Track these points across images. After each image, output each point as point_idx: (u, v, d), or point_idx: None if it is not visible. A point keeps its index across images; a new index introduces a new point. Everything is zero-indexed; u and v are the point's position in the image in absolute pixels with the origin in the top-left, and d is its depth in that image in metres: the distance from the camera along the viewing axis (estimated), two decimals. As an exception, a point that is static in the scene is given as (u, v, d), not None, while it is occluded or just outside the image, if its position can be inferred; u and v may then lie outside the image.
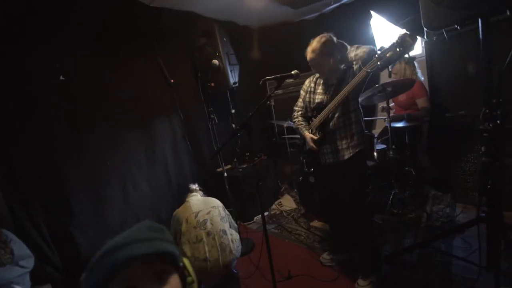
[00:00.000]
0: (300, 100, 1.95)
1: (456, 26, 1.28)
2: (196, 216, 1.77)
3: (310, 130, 1.80)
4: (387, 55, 1.35)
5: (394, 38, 1.31)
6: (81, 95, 2.08)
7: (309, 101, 1.85)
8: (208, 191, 2.21)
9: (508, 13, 1.50)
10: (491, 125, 1.28)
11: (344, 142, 1.67)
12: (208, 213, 1.82)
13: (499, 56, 1.31)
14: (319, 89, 1.80)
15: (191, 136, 2.84)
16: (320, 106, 1.73)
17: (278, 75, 1.43)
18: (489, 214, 1.41)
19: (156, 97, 2.57)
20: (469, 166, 2.45)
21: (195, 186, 2.11)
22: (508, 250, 1.49)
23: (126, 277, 0.54)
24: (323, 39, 1.62)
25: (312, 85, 1.86)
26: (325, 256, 2.04)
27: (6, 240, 1.55)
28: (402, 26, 2.45)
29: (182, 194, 2.16)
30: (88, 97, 2.12)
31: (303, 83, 3.47)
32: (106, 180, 2.18)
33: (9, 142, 1.76)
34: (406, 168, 2.62)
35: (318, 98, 1.78)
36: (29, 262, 1.60)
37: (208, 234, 1.73)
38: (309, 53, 1.68)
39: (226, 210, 2.03)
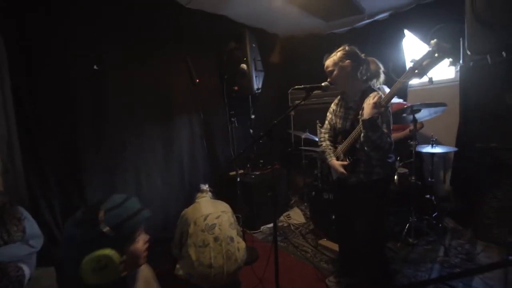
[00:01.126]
0: (327, 122, 1.84)
1: (503, 53, 1.20)
2: (205, 219, 1.73)
3: (337, 157, 1.70)
4: (424, 63, 1.28)
5: (428, 47, 1.28)
6: (109, 85, 2.16)
7: (334, 124, 1.76)
8: (218, 194, 2.19)
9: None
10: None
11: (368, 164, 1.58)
12: (217, 217, 1.78)
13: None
14: (340, 112, 1.71)
15: (209, 137, 2.85)
16: (344, 132, 1.65)
17: (308, 86, 1.39)
18: (521, 259, 1.29)
19: (180, 95, 2.62)
20: (495, 202, 2.29)
21: (205, 187, 2.09)
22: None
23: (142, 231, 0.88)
24: (342, 47, 1.57)
25: (335, 107, 1.77)
26: (332, 279, 1.94)
27: (20, 217, 1.59)
28: (432, 36, 2.38)
29: (193, 194, 2.14)
30: (115, 88, 2.19)
31: (328, 96, 3.46)
32: (122, 170, 2.22)
33: (35, 122, 1.82)
34: (427, 196, 2.49)
35: (339, 123, 1.69)
36: (38, 242, 1.62)
37: (215, 239, 1.68)
38: (326, 62, 1.61)
39: (234, 216, 2.00)
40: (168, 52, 2.53)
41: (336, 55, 1.56)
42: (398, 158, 2.45)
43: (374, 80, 1.60)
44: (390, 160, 1.59)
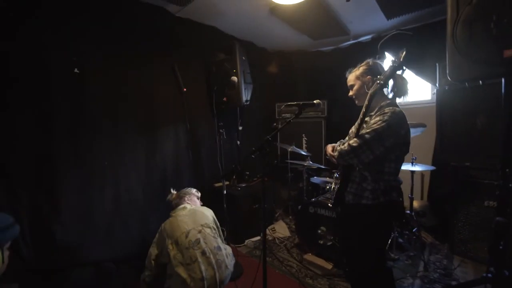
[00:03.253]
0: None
1: (480, 81, 1.30)
2: (186, 237, 1.67)
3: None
4: (386, 73, 1.36)
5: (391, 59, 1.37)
6: (90, 91, 2.06)
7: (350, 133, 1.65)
8: (203, 205, 2.13)
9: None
10: (509, 184, 1.26)
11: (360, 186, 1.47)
12: (199, 231, 1.73)
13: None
14: (357, 124, 1.55)
15: (195, 148, 2.79)
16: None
17: (301, 102, 1.41)
18: (496, 276, 1.35)
19: (166, 104, 2.55)
20: (469, 218, 2.42)
21: (174, 192, 2.02)
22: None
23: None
24: (366, 62, 1.54)
25: (358, 120, 1.66)
26: None
27: None
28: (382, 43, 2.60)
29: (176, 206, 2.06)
30: (97, 95, 2.09)
31: (314, 111, 3.53)
32: (101, 181, 2.10)
33: (8, 127, 1.69)
34: (407, 212, 2.57)
35: (352, 132, 1.58)
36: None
37: (202, 253, 1.64)
38: (349, 77, 1.60)
39: (216, 221, 1.95)
40: (155, 60, 2.48)
41: (359, 70, 1.53)
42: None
43: (403, 97, 1.52)
44: (385, 185, 1.39)
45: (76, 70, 1.99)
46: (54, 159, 1.88)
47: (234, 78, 2.54)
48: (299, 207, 2.56)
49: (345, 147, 1.38)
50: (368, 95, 1.39)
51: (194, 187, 2.20)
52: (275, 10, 2.56)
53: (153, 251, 1.72)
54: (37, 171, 1.80)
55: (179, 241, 1.64)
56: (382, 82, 1.36)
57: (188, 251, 1.61)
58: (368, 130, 1.33)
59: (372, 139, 1.31)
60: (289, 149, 3.11)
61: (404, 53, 1.33)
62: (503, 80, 1.30)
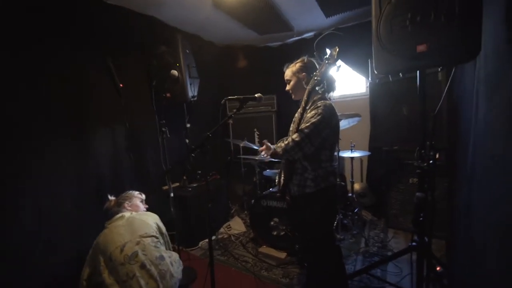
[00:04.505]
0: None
1: (400, 74, 1.47)
2: (122, 251, 1.50)
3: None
4: (322, 69, 1.48)
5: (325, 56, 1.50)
6: (5, 87, 1.69)
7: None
8: (151, 211, 1.96)
9: (439, 69, 1.81)
10: (425, 164, 1.44)
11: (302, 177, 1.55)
12: (137, 243, 1.56)
13: (431, 102, 1.53)
14: (296, 118, 1.66)
15: (137, 149, 2.55)
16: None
17: (241, 97, 1.40)
18: (420, 244, 1.56)
19: (99, 103, 2.25)
20: (398, 195, 2.77)
21: (112, 198, 1.84)
22: (434, 277, 1.66)
23: None
24: (301, 59, 1.62)
25: (296, 114, 1.70)
26: None
27: None
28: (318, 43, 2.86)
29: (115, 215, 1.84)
30: (10, 93, 1.73)
31: (264, 105, 3.58)
32: (15, 194, 1.73)
33: None
34: (349, 195, 2.82)
35: (291, 127, 1.67)
36: None
37: (141, 266, 1.49)
38: (286, 72, 1.66)
39: (161, 227, 1.81)
40: (86, 54, 2.16)
41: (295, 66, 1.61)
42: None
43: (332, 93, 1.65)
44: (323, 171, 1.49)
45: None
46: None
47: (174, 72, 2.38)
48: (252, 201, 2.58)
49: (288, 143, 1.44)
50: (307, 90, 1.49)
51: (140, 192, 2.02)
52: (218, 3, 2.48)
53: (85, 270, 1.51)
54: None
55: (113, 257, 1.47)
56: (319, 78, 1.46)
57: (123, 267, 1.45)
58: (307, 124, 1.42)
59: (311, 132, 1.40)
60: (241, 144, 3.10)
61: (337, 50, 1.46)
62: (418, 73, 1.49)
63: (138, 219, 1.73)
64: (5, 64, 1.71)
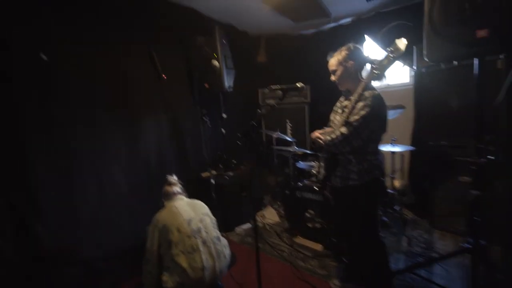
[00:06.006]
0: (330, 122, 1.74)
1: (454, 62, 1.33)
2: (189, 224, 1.63)
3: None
4: (383, 62, 1.37)
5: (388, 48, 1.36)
6: (62, 79, 1.87)
7: (333, 120, 1.66)
8: (191, 197, 2.05)
9: (501, 56, 1.62)
10: (482, 159, 1.31)
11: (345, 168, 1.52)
12: (201, 220, 1.70)
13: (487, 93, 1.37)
14: (339, 109, 1.62)
15: (178, 137, 2.67)
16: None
17: (284, 86, 1.38)
18: (474, 246, 1.44)
19: (146, 93, 2.42)
20: (445, 194, 2.56)
21: (173, 179, 1.92)
22: (490, 283, 1.53)
23: None
24: (347, 47, 1.52)
25: (339, 104, 1.68)
26: (336, 283, 1.88)
27: None
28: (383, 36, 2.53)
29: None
30: (69, 82, 1.91)
31: (297, 96, 3.50)
32: (81, 174, 1.98)
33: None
34: (389, 191, 2.68)
35: (336, 119, 1.61)
36: None
37: (203, 242, 1.62)
38: (330, 61, 1.57)
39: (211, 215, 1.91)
40: (131, 45, 2.30)
41: (341, 55, 1.51)
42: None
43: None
44: (368, 164, 1.45)
45: (43, 56, 1.77)
46: (27, 152, 1.72)
47: (215, 63, 2.42)
48: (287, 192, 2.57)
49: (337, 136, 1.40)
50: (363, 83, 1.40)
51: (181, 177, 2.12)
52: (255, -9, 2.44)
53: (153, 242, 1.63)
54: (10, 167, 1.65)
55: (181, 229, 1.60)
56: (379, 72, 1.36)
57: (190, 240, 1.58)
58: (355, 117, 1.37)
59: (360, 125, 1.36)
60: (275, 135, 3.08)
61: (405, 43, 1.30)
62: (475, 60, 1.34)
63: (196, 201, 1.86)
64: (70, 63, 1.89)
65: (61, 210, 1.85)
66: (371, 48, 3.32)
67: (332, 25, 3.41)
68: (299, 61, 3.74)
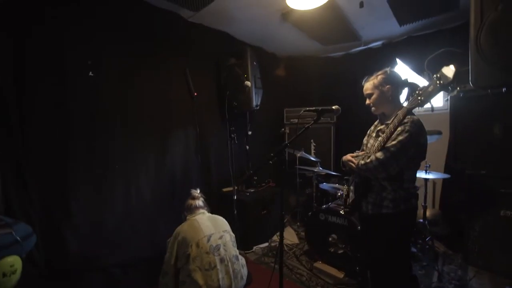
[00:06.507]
0: (363, 145, 1.70)
1: (503, 88, 1.28)
2: (208, 241, 1.62)
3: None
4: (429, 89, 1.32)
5: (435, 74, 1.31)
6: (104, 94, 2.06)
7: (366, 144, 1.63)
8: (212, 212, 2.10)
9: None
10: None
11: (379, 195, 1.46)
12: (220, 237, 1.68)
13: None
14: (373, 133, 1.59)
15: (204, 152, 2.77)
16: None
17: (319, 108, 1.40)
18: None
19: (177, 109, 2.56)
20: (485, 228, 2.35)
21: (197, 193, 1.92)
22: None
23: None
24: (383, 71, 1.51)
25: (372, 128, 1.65)
26: None
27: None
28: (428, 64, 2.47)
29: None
30: (111, 97, 2.10)
31: (323, 117, 3.49)
32: (112, 184, 2.09)
33: (19, 125, 1.68)
34: (420, 221, 2.52)
35: (370, 143, 1.57)
36: (25, 236, 1.41)
37: (221, 260, 1.60)
38: (366, 85, 1.56)
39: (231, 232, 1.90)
40: (167, 64, 2.49)
41: (377, 79, 1.51)
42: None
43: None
44: (405, 193, 1.39)
45: (91, 74, 2.00)
46: (68, 161, 1.87)
47: (248, 83, 2.53)
48: (310, 213, 2.52)
49: (372, 161, 1.36)
50: (405, 109, 1.36)
51: (203, 191, 2.18)
52: (287, 16, 2.56)
53: (172, 255, 1.65)
54: (51, 174, 1.80)
55: (200, 244, 1.59)
56: (423, 99, 1.32)
57: (208, 256, 1.57)
58: (393, 142, 1.33)
59: (398, 151, 1.31)
60: (298, 155, 3.08)
61: (455, 71, 1.26)
62: None
63: (218, 217, 1.86)
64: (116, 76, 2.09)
65: (89, 218, 1.95)
66: (405, 72, 3.26)
67: (361, 48, 3.43)
68: (326, 82, 3.77)
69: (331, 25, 2.75)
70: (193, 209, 1.83)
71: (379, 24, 2.78)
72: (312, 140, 3.61)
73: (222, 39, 2.96)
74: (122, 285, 2.05)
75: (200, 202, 1.88)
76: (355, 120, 2.80)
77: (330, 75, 3.70)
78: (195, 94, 2.64)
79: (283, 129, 3.64)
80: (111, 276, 2.02)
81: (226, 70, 2.81)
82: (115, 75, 2.12)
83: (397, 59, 3.17)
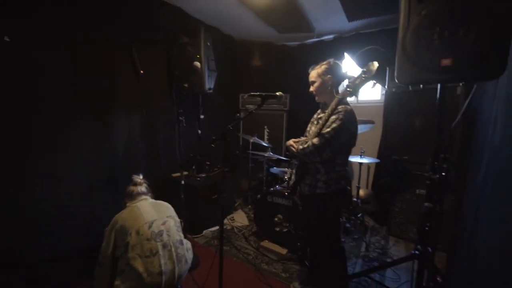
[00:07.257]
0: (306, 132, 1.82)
1: (421, 85, 1.48)
2: (150, 227, 1.55)
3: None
4: (356, 81, 1.50)
5: (360, 69, 1.51)
6: (28, 65, 1.75)
7: (308, 131, 1.75)
8: (159, 197, 2.02)
9: (461, 84, 1.81)
10: (436, 175, 1.47)
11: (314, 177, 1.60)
12: (164, 223, 1.63)
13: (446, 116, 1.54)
14: (315, 120, 1.72)
15: (151, 135, 2.61)
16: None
17: (264, 94, 1.43)
18: (422, 253, 1.59)
19: (121, 88, 2.31)
20: (403, 204, 2.79)
21: (139, 178, 1.84)
22: (431, 286, 1.69)
23: None
24: (327, 62, 1.63)
25: (315, 116, 1.78)
26: (297, 285, 1.97)
27: None
28: (359, 57, 2.76)
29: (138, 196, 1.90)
30: (36, 70, 1.79)
31: (277, 104, 3.60)
32: (36, 167, 1.83)
33: None
34: (354, 199, 2.85)
35: (311, 130, 1.70)
36: None
37: (164, 246, 1.55)
38: (311, 73, 1.67)
39: (177, 217, 1.87)
40: (109, 37, 2.21)
41: (321, 68, 1.61)
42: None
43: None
44: (336, 175, 1.55)
45: (6, 38, 1.67)
46: None
47: (197, 64, 2.42)
48: (258, 196, 2.63)
49: (308, 146, 1.47)
50: (336, 99, 1.50)
51: (150, 177, 2.07)
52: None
53: (108, 244, 1.54)
54: None
55: (141, 231, 1.52)
56: (352, 90, 1.48)
57: (149, 243, 1.50)
58: (327, 130, 1.45)
59: (331, 138, 1.44)
60: (251, 140, 3.14)
61: (377, 66, 1.44)
62: (439, 86, 1.50)
63: (161, 203, 1.78)
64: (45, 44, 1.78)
65: (6, 207, 1.69)
66: (350, 66, 3.52)
67: (315, 39, 3.57)
68: (281, 70, 3.86)
69: (287, 13, 2.78)
70: (134, 196, 1.74)
71: (331, 17, 2.91)
72: (265, 126, 3.71)
73: (176, 14, 2.75)
74: (53, 280, 1.86)
75: (143, 188, 1.79)
76: (307, 108, 2.96)
77: (285, 63, 3.79)
78: (141, 72, 2.43)
79: (238, 114, 3.65)
80: (39, 271, 1.81)
81: (178, 49, 2.64)
82: (48, 46, 1.82)
83: (345, 53, 3.40)
